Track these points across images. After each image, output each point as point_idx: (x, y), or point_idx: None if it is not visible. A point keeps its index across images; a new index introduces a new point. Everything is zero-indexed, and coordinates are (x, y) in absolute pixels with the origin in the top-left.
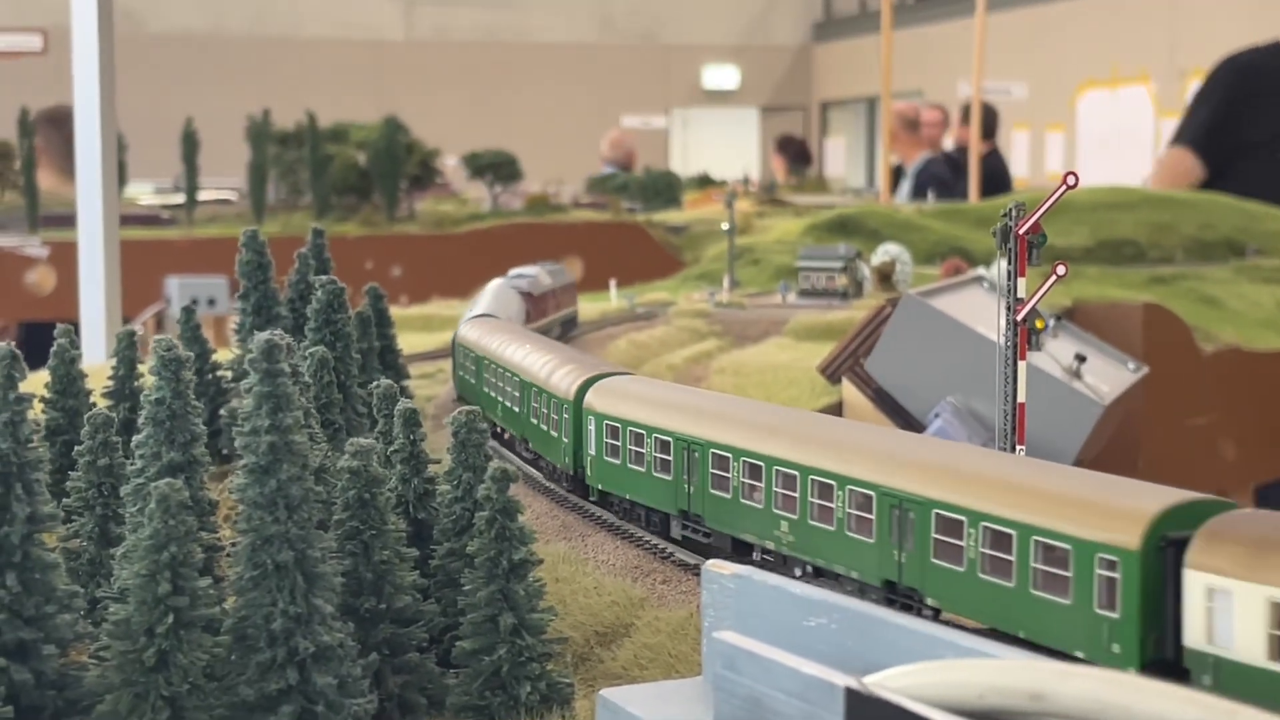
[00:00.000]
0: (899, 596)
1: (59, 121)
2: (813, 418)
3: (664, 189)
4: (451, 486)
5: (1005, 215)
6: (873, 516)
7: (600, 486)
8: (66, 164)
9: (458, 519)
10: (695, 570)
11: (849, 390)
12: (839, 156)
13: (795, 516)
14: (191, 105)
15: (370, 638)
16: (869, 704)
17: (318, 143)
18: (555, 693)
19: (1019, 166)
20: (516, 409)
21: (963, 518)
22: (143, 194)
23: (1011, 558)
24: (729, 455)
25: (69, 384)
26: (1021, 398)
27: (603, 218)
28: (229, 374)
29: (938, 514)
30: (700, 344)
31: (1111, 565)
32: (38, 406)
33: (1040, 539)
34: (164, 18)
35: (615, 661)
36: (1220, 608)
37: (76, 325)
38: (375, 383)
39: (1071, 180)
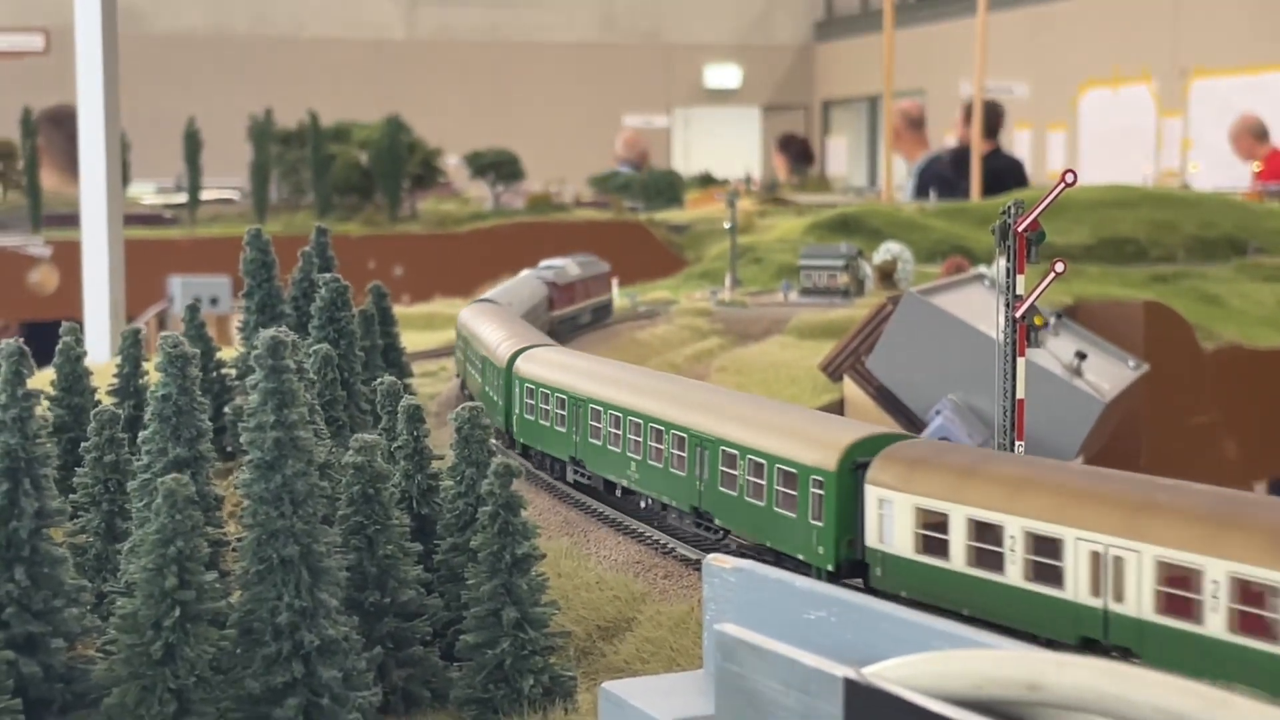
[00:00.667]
0: (701, 519)
1: (61, 121)
2: (666, 379)
3: (666, 188)
4: (455, 482)
5: (1004, 213)
6: (685, 454)
7: (522, 440)
8: (69, 163)
9: (461, 514)
10: (696, 565)
11: (850, 388)
12: (840, 156)
13: (639, 457)
14: (193, 105)
15: (374, 631)
16: (867, 694)
17: (320, 142)
18: (558, 686)
19: None
20: (480, 379)
21: (736, 451)
22: (145, 194)
23: (764, 482)
24: (601, 408)
25: (74, 381)
26: (1021, 394)
27: (605, 217)
28: (233, 372)
29: (723, 450)
30: (702, 342)
31: (820, 484)
32: (44, 404)
33: (780, 466)
34: (166, 18)
35: (617, 655)
36: (886, 514)
37: (80, 324)
38: (379, 380)
39: (1070, 178)
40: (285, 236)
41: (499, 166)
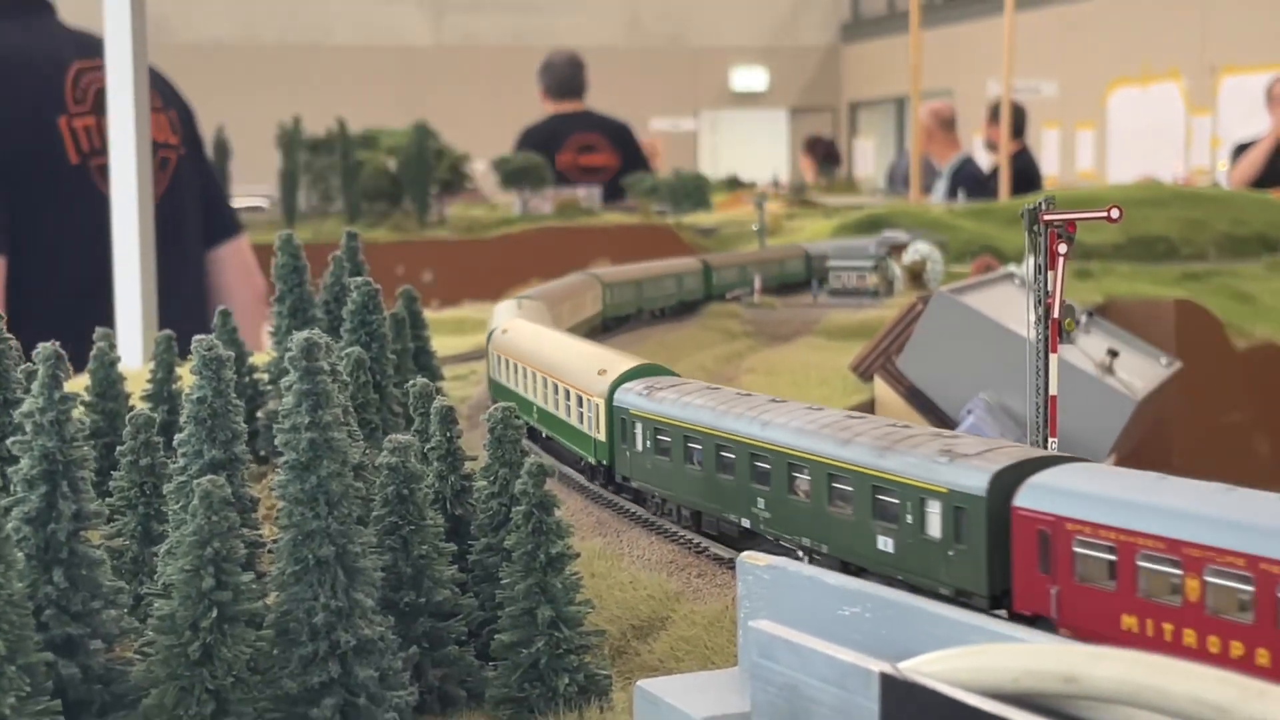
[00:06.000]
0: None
1: None
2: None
3: (693, 191)
4: (488, 482)
5: (1033, 208)
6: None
7: None
8: None
9: (494, 514)
10: (730, 564)
11: (881, 388)
12: (868, 157)
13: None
14: (222, 113)
15: (410, 631)
16: (904, 689)
17: (348, 149)
18: (593, 684)
19: (1050, 165)
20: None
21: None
22: None
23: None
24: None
25: (108, 387)
26: (1054, 390)
27: (633, 220)
28: (265, 377)
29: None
30: (731, 344)
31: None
32: (80, 408)
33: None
34: (195, 27)
35: (652, 654)
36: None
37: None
38: (411, 381)
39: (1115, 213)
40: (315, 243)
41: (527, 171)
